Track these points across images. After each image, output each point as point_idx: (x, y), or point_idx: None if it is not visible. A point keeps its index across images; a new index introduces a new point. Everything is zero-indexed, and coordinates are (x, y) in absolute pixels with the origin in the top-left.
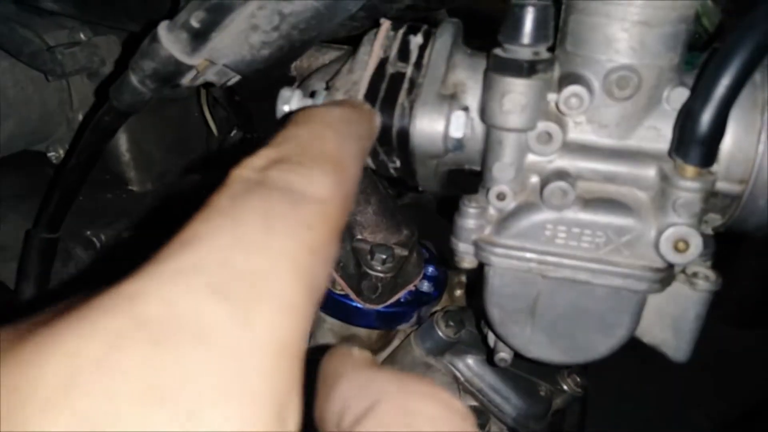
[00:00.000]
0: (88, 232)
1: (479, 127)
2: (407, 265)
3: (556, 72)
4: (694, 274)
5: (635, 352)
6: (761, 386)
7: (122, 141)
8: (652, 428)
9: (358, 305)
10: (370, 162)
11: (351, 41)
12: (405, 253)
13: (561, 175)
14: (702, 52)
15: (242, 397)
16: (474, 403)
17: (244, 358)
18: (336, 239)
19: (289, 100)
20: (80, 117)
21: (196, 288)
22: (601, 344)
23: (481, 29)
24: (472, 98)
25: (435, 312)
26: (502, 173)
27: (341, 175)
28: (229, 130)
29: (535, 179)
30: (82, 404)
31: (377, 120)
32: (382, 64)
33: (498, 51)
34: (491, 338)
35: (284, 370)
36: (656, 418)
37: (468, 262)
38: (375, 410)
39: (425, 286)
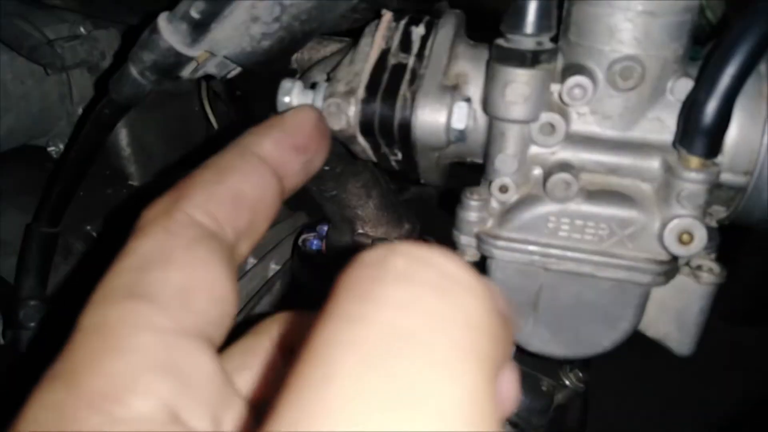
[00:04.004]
0: (89, 227)
1: (481, 118)
2: None
3: (560, 63)
4: (699, 267)
5: (636, 348)
6: (763, 384)
7: (123, 136)
8: (653, 425)
9: None
10: (371, 155)
11: (352, 34)
12: None
13: (564, 166)
14: (704, 46)
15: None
16: None
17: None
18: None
19: (290, 92)
20: (80, 111)
21: None
22: (604, 338)
23: (483, 21)
24: (475, 89)
25: None
26: (504, 165)
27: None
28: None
29: (538, 171)
30: None
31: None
32: (384, 55)
33: (501, 41)
34: None
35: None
36: (657, 414)
37: (470, 255)
38: None
39: None
